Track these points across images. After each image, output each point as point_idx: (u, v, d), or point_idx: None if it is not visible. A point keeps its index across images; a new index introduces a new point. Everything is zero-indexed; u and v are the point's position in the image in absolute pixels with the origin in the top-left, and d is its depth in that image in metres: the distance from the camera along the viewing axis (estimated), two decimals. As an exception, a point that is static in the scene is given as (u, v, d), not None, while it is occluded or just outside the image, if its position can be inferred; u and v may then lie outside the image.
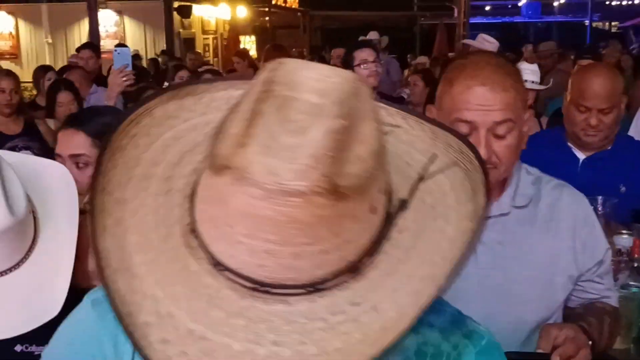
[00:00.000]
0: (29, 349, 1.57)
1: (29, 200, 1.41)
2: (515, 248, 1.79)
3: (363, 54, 4.22)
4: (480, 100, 1.64)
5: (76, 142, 2.08)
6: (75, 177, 2.05)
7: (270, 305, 0.78)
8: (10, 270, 1.37)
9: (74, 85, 5.06)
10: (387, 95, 5.15)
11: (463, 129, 1.65)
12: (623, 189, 2.81)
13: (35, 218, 1.45)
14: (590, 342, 1.64)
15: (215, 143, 0.79)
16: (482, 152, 1.62)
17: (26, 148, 4.36)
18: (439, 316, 1.01)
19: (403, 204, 0.87)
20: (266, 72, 0.82)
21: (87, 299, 1.02)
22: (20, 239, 1.39)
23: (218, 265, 0.80)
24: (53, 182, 1.59)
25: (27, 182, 1.43)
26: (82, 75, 5.72)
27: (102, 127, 2.12)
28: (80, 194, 2.03)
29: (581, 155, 2.93)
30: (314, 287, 0.79)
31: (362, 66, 4.15)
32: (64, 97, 4.85)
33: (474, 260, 1.79)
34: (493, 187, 1.73)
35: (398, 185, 0.89)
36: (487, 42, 6.10)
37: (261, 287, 0.78)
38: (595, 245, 1.85)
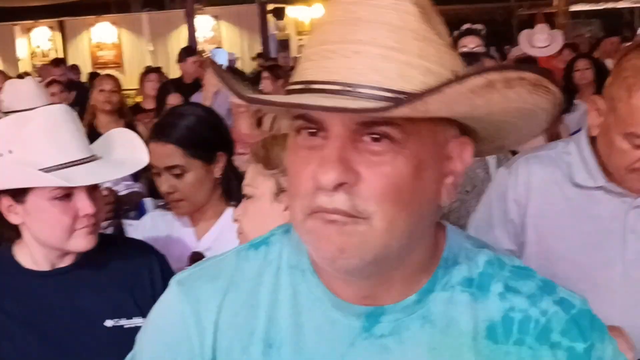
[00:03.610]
0: (118, 323, 1.74)
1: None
2: None
3: (465, 41, 4.21)
4: None
5: (168, 154, 2.12)
6: (176, 186, 2.10)
7: (355, 102, 0.82)
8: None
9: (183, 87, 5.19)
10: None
11: (638, 142, 1.56)
12: None
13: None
14: None
15: None
16: None
17: (124, 148, 4.47)
18: (526, 283, 0.97)
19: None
20: None
21: (172, 281, 1.04)
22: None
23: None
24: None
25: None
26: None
27: (187, 131, 2.15)
28: (181, 200, 2.09)
29: None
30: (397, 96, 0.82)
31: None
32: (173, 99, 4.94)
33: (621, 248, 1.69)
34: None
35: None
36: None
37: (348, 88, 0.82)
38: None
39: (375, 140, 0.83)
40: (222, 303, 0.99)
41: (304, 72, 0.88)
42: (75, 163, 1.69)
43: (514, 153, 2.19)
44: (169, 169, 2.15)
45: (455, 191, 0.93)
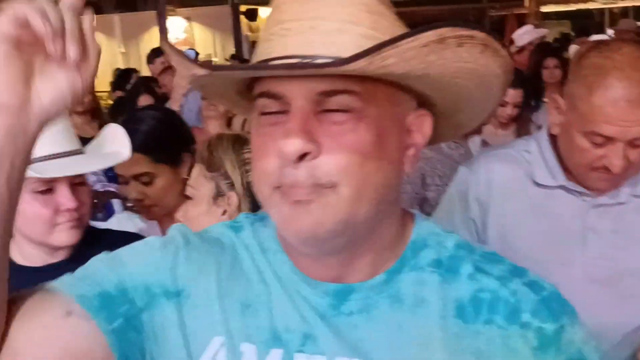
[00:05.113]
0: None
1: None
2: (629, 238, 1.70)
3: None
4: (623, 116, 1.52)
5: (134, 162, 2.09)
6: (145, 192, 2.06)
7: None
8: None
9: (154, 88, 5.13)
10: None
11: (598, 140, 1.56)
12: None
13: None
14: None
15: None
16: (619, 163, 1.55)
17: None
18: (496, 266, 0.98)
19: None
20: None
21: (172, 225, 1.07)
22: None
23: None
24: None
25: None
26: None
27: (149, 136, 2.13)
28: (153, 205, 2.10)
29: None
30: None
31: None
32: (144, 100, 4.87)
33: (581, 247, 1.70)
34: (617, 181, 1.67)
35: None
36: None
37: (306, 60, 0.85)
38: None
39: (336, 110, 0.86)
40: (208, 258, 1.00)
41: (262, 52, 0.90)
42: (57, 156, 1.70)
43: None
44: (136, 177, 2.13)
45: (417, 162, 0.95)
